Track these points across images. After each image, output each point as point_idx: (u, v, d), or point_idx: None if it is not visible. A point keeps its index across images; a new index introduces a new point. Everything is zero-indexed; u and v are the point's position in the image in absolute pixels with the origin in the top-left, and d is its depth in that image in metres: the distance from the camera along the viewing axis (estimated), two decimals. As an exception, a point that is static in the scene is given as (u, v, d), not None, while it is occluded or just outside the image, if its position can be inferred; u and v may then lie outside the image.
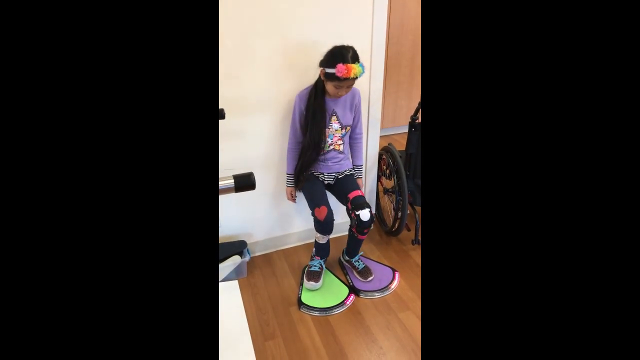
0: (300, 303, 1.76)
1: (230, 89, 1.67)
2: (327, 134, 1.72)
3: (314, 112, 1.67)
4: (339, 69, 1.47)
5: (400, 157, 2.02)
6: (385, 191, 2.21)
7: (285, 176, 1.86)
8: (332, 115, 1.71)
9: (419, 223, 2.11)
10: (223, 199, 1.89)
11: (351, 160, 1.87)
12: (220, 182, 0.65)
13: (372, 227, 1.76)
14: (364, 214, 1.67)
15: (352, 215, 1.70)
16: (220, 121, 1.52)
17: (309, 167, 1.77)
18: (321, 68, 1.58)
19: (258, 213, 2.00)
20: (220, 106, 1.52)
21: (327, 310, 1.73)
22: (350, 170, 1.86)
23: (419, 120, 2.00)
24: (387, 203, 2.26)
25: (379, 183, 2.22)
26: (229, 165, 1.80)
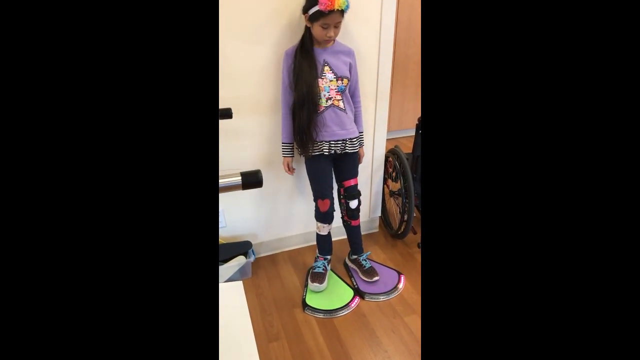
0: (305, 305, 1.75)
1: (237, 89, 1.67)
2: (321, 85, 1.57)
3: (302, 62, 1.54)
4: (322, 2, 1.40)
5: (407, 159, 2.01)
6: (392, 194, 2.20)
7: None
8: (324, 65, 1.58)
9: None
10: (229, 200, 1.89)
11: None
12: (227, 179, 0.65)
13: (360, 211, 1.84)
14: (353, 203, 1.79)
15: (342, 201, 1.81)
16: (227, 120, 1.52)
17: (309, 130, 1.60)
18: (304, 14, 1.50)
19: (263, 214, 2.00)
20: (228, 106, 1.53)
21: (331, 313, 1.72)
22: (358, 139, 1.72)
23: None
24: (393, 206, 2.25)
25: (385, 185, 2.21)
26: (235, 165, 1.80)
